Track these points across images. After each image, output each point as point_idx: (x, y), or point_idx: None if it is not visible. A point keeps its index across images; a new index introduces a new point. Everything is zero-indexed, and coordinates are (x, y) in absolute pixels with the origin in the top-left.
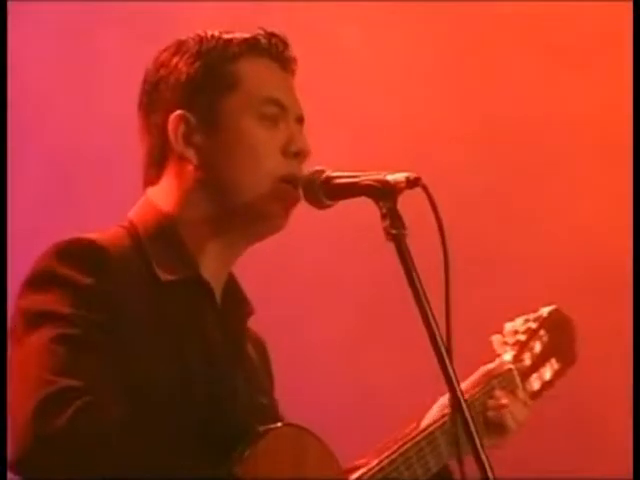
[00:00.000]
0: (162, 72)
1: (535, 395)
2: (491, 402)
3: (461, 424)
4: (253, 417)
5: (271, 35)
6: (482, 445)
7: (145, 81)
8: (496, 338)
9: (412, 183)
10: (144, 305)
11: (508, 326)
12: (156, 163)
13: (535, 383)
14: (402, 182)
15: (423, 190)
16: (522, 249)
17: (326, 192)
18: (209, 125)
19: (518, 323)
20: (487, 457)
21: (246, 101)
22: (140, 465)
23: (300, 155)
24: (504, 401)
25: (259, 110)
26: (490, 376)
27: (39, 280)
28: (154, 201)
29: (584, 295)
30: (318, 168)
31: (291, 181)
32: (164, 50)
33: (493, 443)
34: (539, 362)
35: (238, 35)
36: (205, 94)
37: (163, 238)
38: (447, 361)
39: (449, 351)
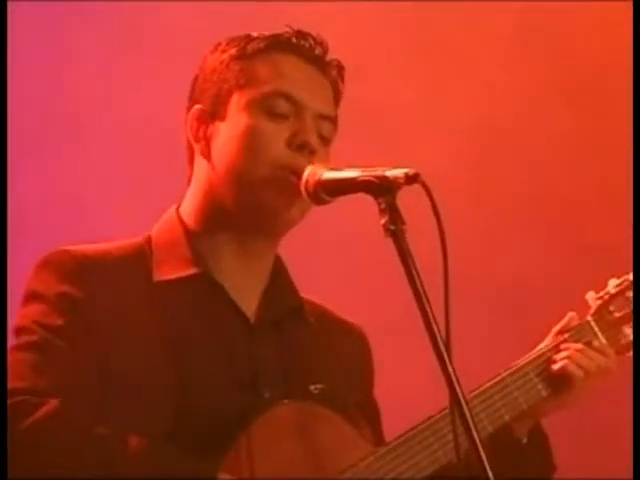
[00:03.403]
0: (198, 71)
1: (630, 346)
2: (556, 356)
3: (461, 423)
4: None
5: (299, 33)
6: (482, 445)
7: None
8: (590, 295)
9: (411, 179)
10: (130, 308)
11: (611, 282)
12: (189, 162)
13: (630, 333)
14: (401, 178)
15: (422, 186)
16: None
17: (325, 188)
18: (219, 119)
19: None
20: (486, 456)
21: (256, 95)
22: (81, 459)
23: (305, 148)
24: (568, 352)
25: (267, 103)
26: (561, 332)
27: (22, 299)
28: (181, 205)
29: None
30: (317, 164)
31: (292, 172)
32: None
33: (563, 400)
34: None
35: (265, 34)
36: (219, 89)
37: (171, 243)
38: (446, 358)
39: (448, 348)
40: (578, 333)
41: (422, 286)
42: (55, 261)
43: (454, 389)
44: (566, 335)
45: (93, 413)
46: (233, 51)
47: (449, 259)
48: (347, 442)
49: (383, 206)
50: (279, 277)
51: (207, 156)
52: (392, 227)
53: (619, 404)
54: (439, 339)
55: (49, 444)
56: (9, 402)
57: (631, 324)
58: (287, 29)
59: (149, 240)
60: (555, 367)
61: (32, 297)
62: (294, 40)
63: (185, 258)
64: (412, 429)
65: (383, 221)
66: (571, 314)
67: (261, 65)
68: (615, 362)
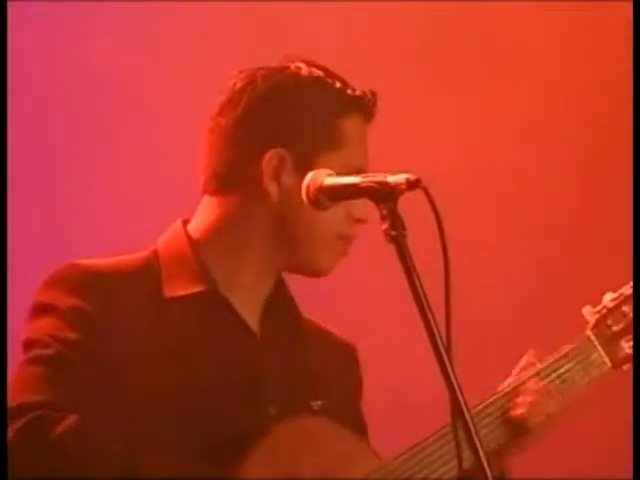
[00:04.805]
0: (261, 86)
1: (627, 359)
2: (516, 399)
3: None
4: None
5: (370, 93)
6: (482, 447)
7: (233, 88)
8: (587, 309)
9: (412, 184)
10: (141, 323)
11: (606, 297)
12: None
13: (627, 347)
14: (402, 183)
15: (423, 192)
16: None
17: (326, 193)
18: (302, 171)
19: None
20: (487, 459)
21: (341, 165)
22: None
23: (361, 222)
24: (525, 397)
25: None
26: (523, 370)
27: (31, 312)
28: (190, 221)
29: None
30: (319, 170)
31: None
32: (275, 69)
33: (526, 442)
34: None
35: (348, 87)
36: (311, 142)
37: (180, 259)
38: (447, 363)
39: (449, 353)
40: (578, 348)
41: (424, 292)
42: (65, 274)
43: (454, 391)
44: (530, 372)
45: (109, 429)
46: (328, 103)
47: (450, 264)
48: (358, 456)
49: (384, 212)
50: (280, 292)
51: (275, 197)
52: (393, 233)
53: (619, 404)
54: (440, 345)
55: (70, 460)
56: (28, 416)
57: (628, 337)
58: (351, 88)
59: (156, 253)
60: (514, 413)
61: (43, 310)
62: (366, 100)
63: (194, 274)
64: (422, 441)
65: (384, 227)
66: (530, 351)
67: (350, 130)
68: (559, 405)
